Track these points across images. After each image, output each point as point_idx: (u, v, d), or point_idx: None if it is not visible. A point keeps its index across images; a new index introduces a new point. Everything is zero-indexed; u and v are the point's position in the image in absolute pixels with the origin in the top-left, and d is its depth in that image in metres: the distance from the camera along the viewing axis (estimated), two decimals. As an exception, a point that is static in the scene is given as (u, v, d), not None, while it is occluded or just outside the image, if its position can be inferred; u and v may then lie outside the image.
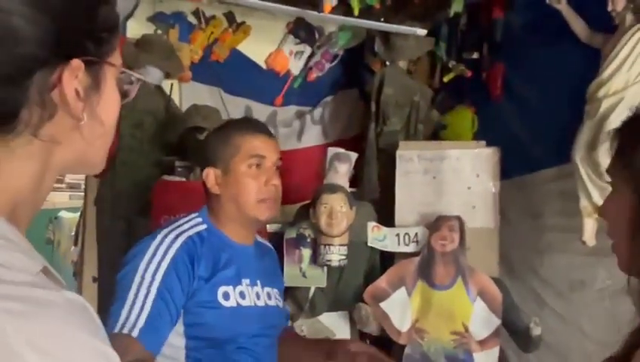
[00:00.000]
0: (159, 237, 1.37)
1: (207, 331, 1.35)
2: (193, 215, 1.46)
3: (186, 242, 1.37)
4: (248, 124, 1.54)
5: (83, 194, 3.16)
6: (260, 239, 1.58)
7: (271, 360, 1.46)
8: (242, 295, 1.41)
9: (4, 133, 0.53)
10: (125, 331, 1.23)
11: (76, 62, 0.54)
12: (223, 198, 1.43)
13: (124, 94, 0.64)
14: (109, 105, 0.61)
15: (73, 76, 0.55)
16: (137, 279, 1.30)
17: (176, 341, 1.34)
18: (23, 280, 0.48)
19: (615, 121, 2.06)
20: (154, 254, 1.32)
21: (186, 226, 1.42)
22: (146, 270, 1.31)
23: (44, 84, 0.53)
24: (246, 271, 1.43)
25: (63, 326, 0.48)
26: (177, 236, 1.38)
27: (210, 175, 1.44)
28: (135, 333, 1.23)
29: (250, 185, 1.40)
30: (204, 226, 1.43)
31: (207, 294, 1.36)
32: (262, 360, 1.40)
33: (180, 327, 1.34)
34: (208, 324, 1.35)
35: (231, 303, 1.38)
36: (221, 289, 1.38)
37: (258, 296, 1.45)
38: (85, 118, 0.56)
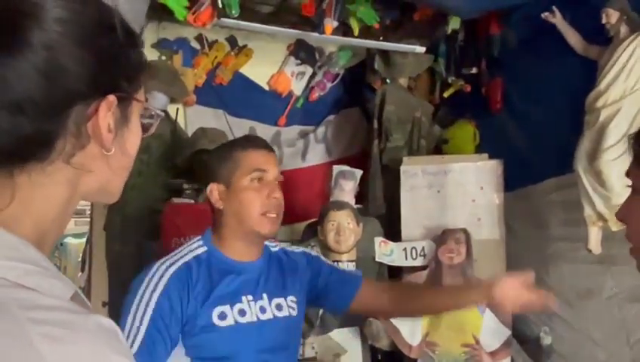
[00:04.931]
0: (154, 268, 1.39)
1: (208, 351, 1.36)
2: (195, 239, 1.48)
3: (180, 268, 1.39)
4: (248, 140, 1.56)
5: (88, 220, 3.17)
6: (273, 249, 1.56)
7: None
8: (242, 312, 1.41)
9: (39, 160, 0.58)
10: None
11: (112, 98, 0.59)
12: (226, 213, 1.43)
13: (144, 128, 0.69)
14: (134, 138, 0.65)
15: (108, 110, 0.59)
16: (133, 310, 1.34)
17: (182, 360, 1.36)
18: (59, 305, 0.52)
19: (614, 130, 2.10)
20: (147, 286, 1.35)
21: (184, 252, 1.44)
22: (139, 302, 1.34)
23: (81, 117, 0.57)
24: (248, 287, 1.43)
25: (95, 350, 0.51)
26: (171, 265, 1.39)
27: (214, 190, 1.44)
28: None
29: (253, 198, 1.40)
30: (203, 249, 1.44)
31: (202, 319, 1.37)
32: None
33: (180, 349, 1.36)
34: (206, 346, 1.36)
35: (228, 322, 1.39)
36: (216, 311, 1.38)
37: (263, 310, 1.44)
38: (114, 149, 0.61)
